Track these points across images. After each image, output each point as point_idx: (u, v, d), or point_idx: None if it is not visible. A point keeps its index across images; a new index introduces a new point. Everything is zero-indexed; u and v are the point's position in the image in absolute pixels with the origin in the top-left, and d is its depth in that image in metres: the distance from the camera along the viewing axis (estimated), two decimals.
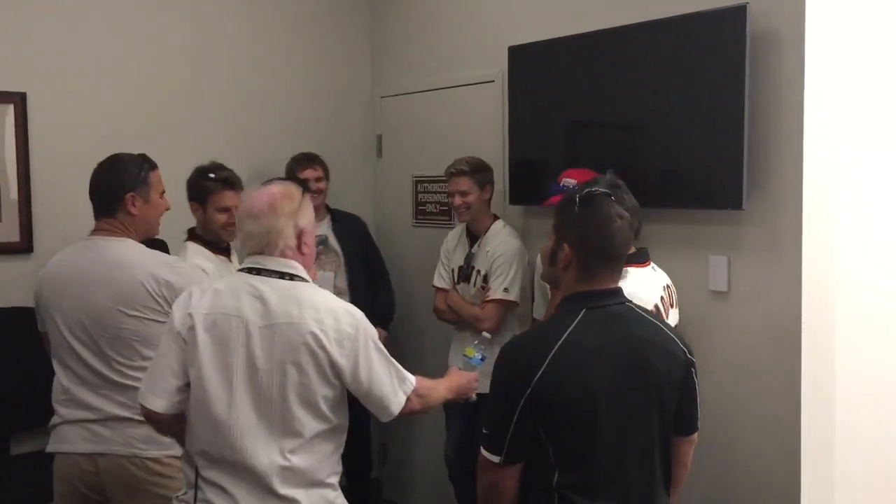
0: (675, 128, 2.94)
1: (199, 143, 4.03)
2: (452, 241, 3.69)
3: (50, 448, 2.54)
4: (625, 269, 2.11)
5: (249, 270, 2.07)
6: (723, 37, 2.75)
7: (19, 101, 3.57)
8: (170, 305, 2.27)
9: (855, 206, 2.86)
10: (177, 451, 2.42)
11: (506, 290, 3.35)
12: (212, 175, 3.14)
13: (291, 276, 2.06)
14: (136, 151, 4.06)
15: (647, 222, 3.00)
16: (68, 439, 2.50)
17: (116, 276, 2.44)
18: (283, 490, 2.00)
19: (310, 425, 2.02)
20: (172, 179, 3.89)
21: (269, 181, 2.17)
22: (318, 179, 3.80)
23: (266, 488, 2.00)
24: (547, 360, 1.88)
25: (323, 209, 3.85)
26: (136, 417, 2.35)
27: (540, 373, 1.88)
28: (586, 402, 1.89)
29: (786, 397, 2.67)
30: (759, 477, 2.77)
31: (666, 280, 2.71)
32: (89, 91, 3.74)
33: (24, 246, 3.59)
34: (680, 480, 2.13)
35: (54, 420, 2.54)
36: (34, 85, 3.61)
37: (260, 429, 2.00)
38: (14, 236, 3.59)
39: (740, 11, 2.69)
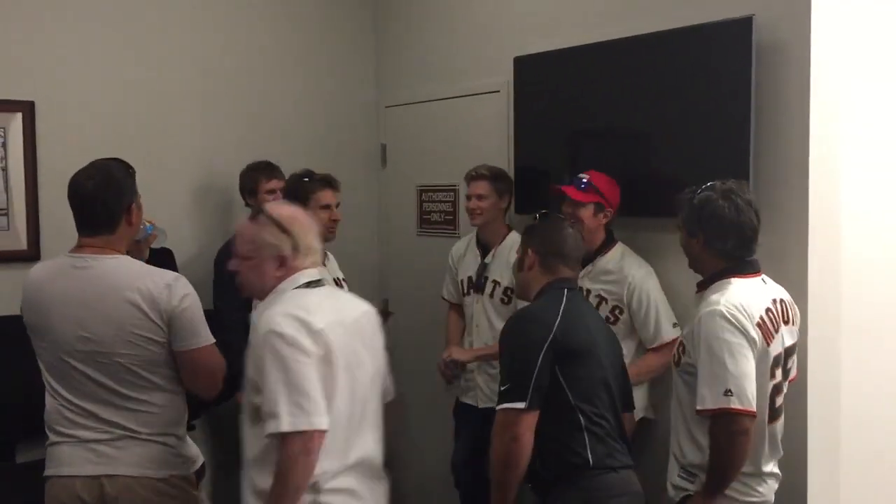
0: (682, 138, 2.96)
1: (205, 152, 4.06)
2: (461, 250, 3.65)
3: (48, 472, 2.32)
4: (726, 280, 2.37)
5: (319, 283, 2.21)
6: (729, 48, 2.77)
7: (27, 110, 3.58)
8: (166, 326, 2.27)
9: (860, 215, 2.88)
10: (182, 470, 2.38)
11: None
12: (309, 178, 3.24)
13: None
14: (143, 160, 4.07)
15: (653, 231, 3.01)
16: (68, 461, 2.30)
17: (110, 299, 2.26)
18: (381, 469, 2.24)
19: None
20: (179, 186, 3.95)
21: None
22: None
23: (378, 474, 2.22)
24: (560, 314, 2.44)
25: None
26: (144, 437, 2.30)
27: (558, 321, 2.42)
28: (591, 343, 2.47)
29: (791, 394, 2.67)
30: None
31: (779, 294, 2.49)
32: (97, 100, 3.76)
33: (31, 254, 3.59)
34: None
35: (53, 439, 2.34)
36: (42, 93, 3.63)
37: (373, 421, 2.19)
38: (21, 244, 3.60)
39: (746, 23, 2.72)
